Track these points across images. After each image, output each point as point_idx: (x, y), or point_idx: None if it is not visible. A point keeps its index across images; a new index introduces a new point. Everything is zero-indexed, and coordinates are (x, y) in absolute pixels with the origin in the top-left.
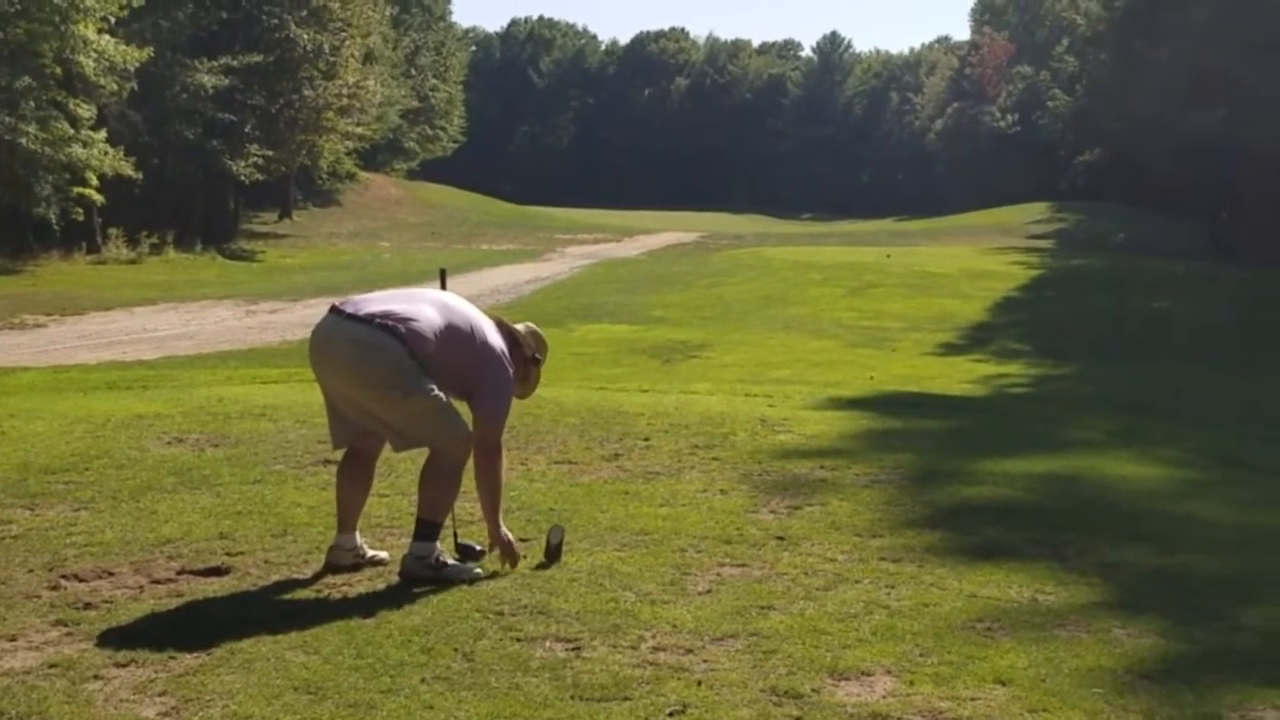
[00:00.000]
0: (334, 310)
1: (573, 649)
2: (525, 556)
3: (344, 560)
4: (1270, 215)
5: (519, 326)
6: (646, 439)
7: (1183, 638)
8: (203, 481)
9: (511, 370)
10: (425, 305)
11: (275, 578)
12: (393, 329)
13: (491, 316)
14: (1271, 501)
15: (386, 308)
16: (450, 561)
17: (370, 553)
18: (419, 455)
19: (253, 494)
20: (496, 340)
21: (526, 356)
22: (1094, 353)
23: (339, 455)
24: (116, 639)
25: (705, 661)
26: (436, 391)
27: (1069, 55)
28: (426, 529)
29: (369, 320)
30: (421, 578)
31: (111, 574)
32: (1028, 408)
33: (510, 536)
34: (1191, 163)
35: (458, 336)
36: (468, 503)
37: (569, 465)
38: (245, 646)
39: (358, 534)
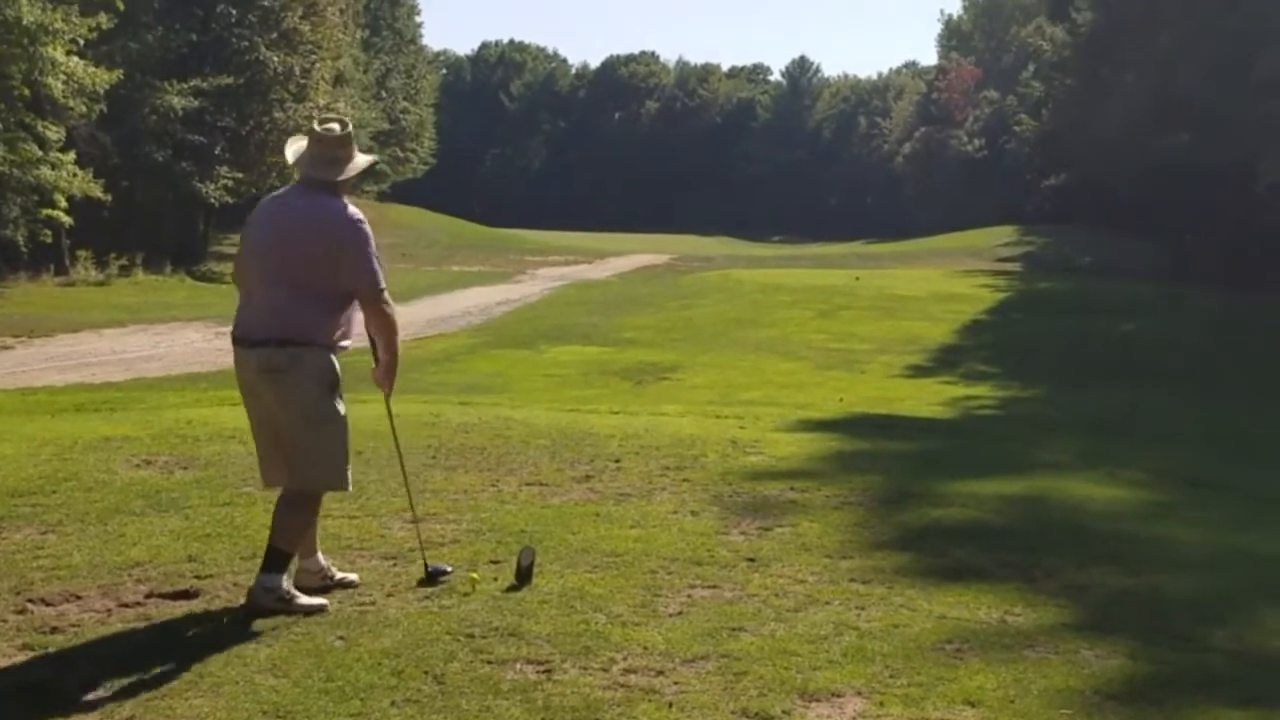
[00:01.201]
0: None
1: (544, 671)
2: (496, 579)
3: (312, 583)
4: (1235, 238)
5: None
6: (617, 460)
7: (1151, 658)
8: (171, 504)
9: (363, 222)
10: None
11: (244, 600)
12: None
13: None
14: (1238, 522)
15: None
16: (301, 597)
17: (339, 574)
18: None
19: (222, 516)
20: (328, 209)
21: (345, 180)
22: (1061, 375)
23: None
24: (84, 663)
25: (676, 683)
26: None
27: (1035, 80)
28: (279, 559)
29: (265, 342)
30: (270, 611)
31: (79, 597)
32: (996, 429)
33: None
34: (1157, 186)
35: (311, 257)
36: (440, 525)
37: (540, 487)
38: (214, 670)
39: (321, 555)
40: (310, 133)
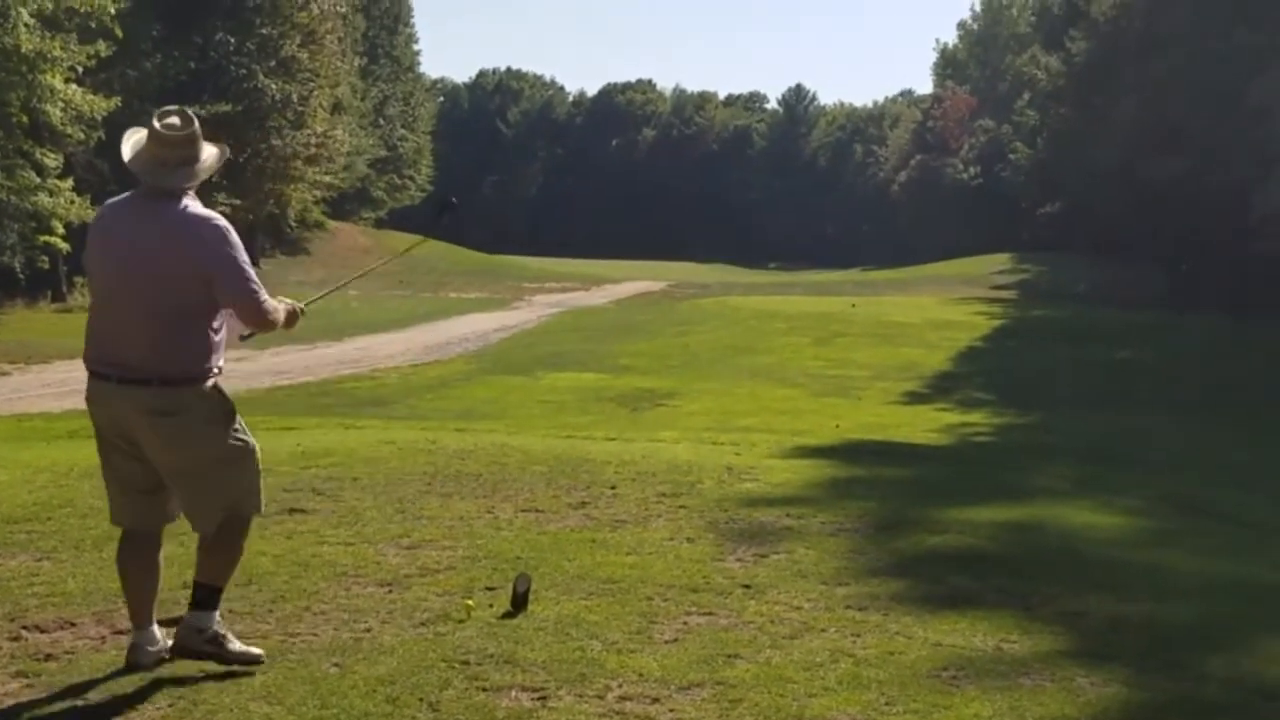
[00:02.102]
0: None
1: (539, 699)
2: (491, 606)
3: (148, 660)
4: (1229, 265)
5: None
6: (613, 487)
7: (1147, 686)
8: (168, 532)
9: (229, 228)
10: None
11: (239, 628)
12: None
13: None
14: (1233, 550)
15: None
16: (234, 642)
17: (232, 643)
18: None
19: None
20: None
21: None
22: (1057, 402)
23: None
24: (78, 691)
25: (671, 710)
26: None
27: (1030, 109)
28: (209, 596)
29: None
30: (199, 654)
31: (74, 624)
32: (992, 456)
33: (288, 304)
34: (1151, 214)
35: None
36: (435, 551)
37: (536, 513)
38: (208, 698)
39: (156, 626)
40: (150, 130)
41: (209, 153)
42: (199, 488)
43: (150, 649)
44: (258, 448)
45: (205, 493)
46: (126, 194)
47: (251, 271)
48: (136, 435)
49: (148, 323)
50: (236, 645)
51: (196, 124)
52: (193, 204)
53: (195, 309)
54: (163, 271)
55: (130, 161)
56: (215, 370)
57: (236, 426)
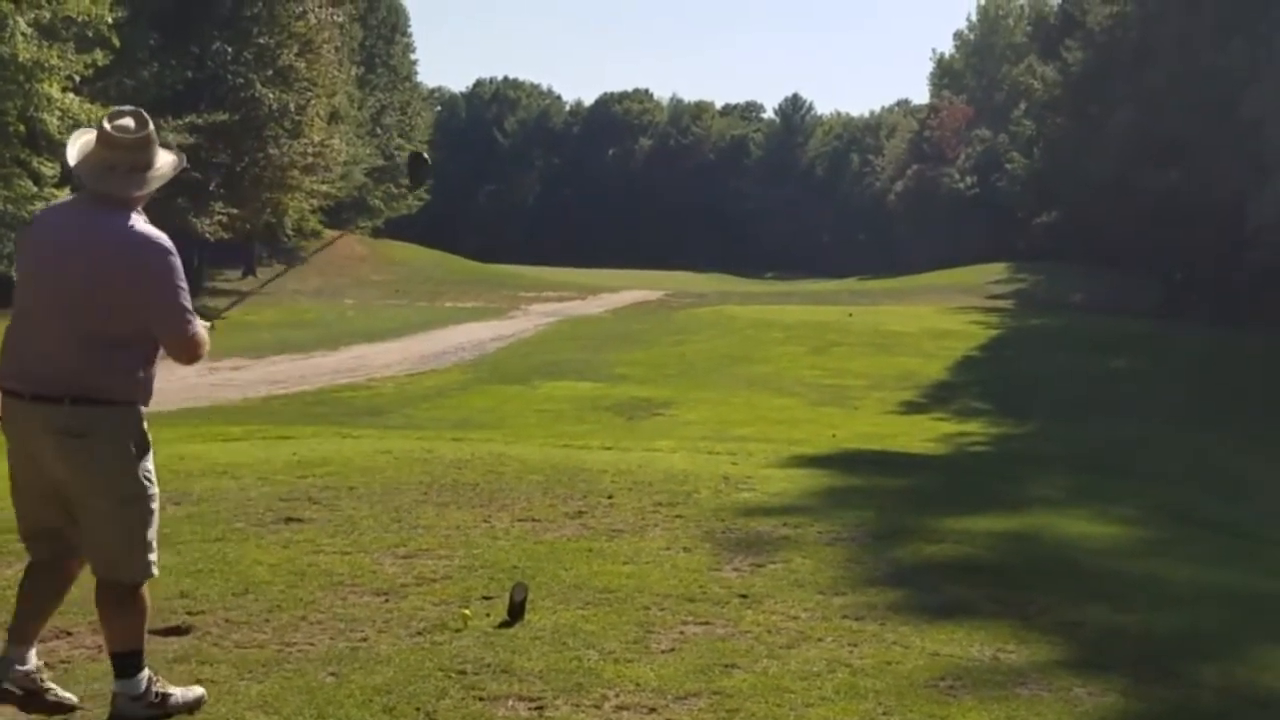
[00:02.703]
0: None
1: (536, 708)
2: (488, 615)
3: (10, 678)
4: (1224, 276)
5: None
6: (610, 496)
7: (1143, 695)
8: (163, 540)
9: (172, 252)
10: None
11: (236, 637)
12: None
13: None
14: (1228, 559)
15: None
16: (175, 691)
17: (50, 688)
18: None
19: (214, 552)
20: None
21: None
22: (1053, 411)
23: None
24: (75, 701)
25: None
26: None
27: (1026, 119)
28: (129, 661)
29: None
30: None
31: (69, 634)
32: (988, 466)
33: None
34: (1147, 224)
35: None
36: (432, 561)
37: (533, 523)
38: (205, 707)
39: (35, 652)
40: (100, 131)
41: (164, 160)
42: (95, 524)
43: (19, 667)
44: (158, 501)
45: (99, 530)
46: (68, 199)
47: (189, 302)
48: (45, 459)
49: (72, 340)
50: (177, 694)
51: (151, 127)
52: (139, 220)
53: (125, 331)
54: (97, 288)
55: (76, 165)
56: (139, 399)
57: (148, 468)
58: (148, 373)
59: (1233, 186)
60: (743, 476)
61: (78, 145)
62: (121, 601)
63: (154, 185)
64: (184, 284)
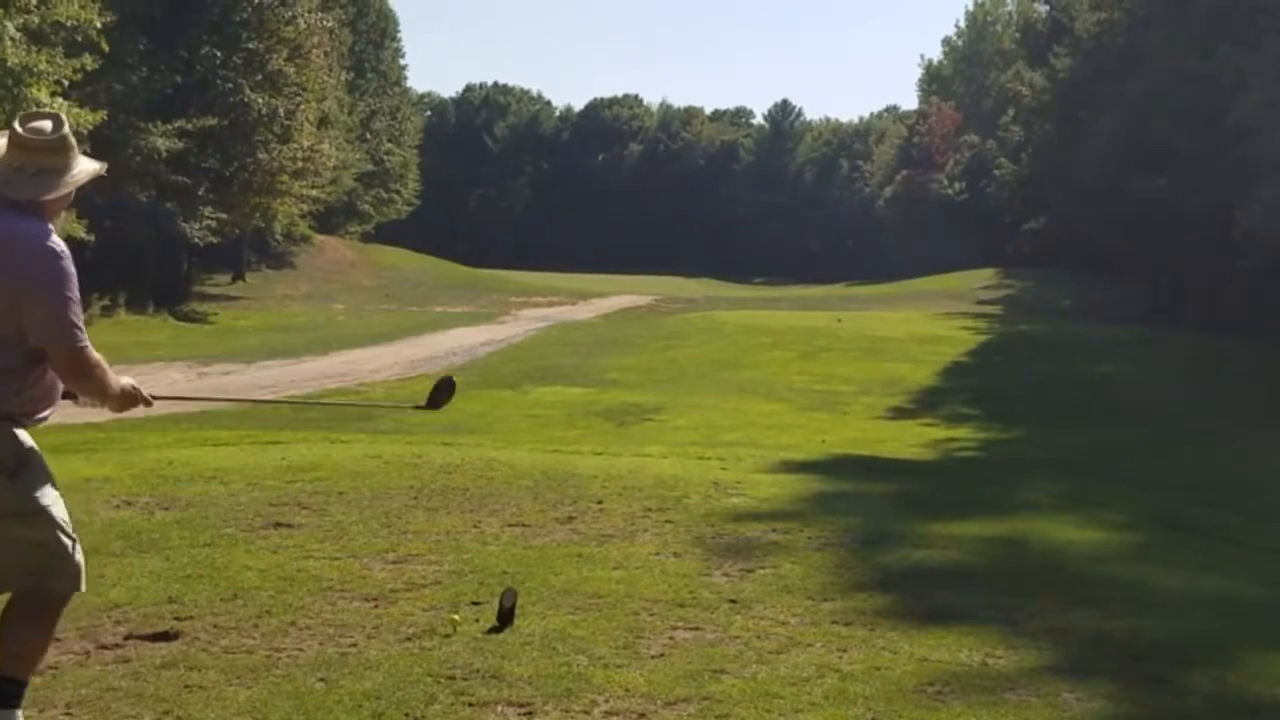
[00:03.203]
0: None
1: (525, 714)
2: (478, 620)
3: None
4: (1211, 282)
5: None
6: (600, 502)
7: (1131, 701)
8: (152, 545)
9: (66, 257)
10: None
11: (224, 642)
12: None
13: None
14: (1216, 565)
15: None
16: None
17: None
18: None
19: (202, 557)
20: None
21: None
22: (1041, 417)
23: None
24: (61, 706)
25: None
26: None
27: (1014, 125)
28: (10, 693)
29: None
30: None
31: (57, 639)
32: (976, 471)
33: (129, 383)
34: (1135, 230)
35: None
36: (422, 566)
37: (522, 528)
38: (193, 713)
39: (21, 714)
40: (11, 134)
41: (82, 167)
42: (5, 546)
43: None
44: (62, 512)
45: (12, 552)
46: None
47: (76, 317)
48: None
49: None
50: None
51: (68, 130)
52: (41, 224)
53: (19, 340)
54: None
55: None
56: (19, 413)
57: (38, 481)
58: (36, 386)
59: (1220, 193)
60: (732, 482)
61: None
62: (32, 617)
63: (66, 190)
64: (74, 296)
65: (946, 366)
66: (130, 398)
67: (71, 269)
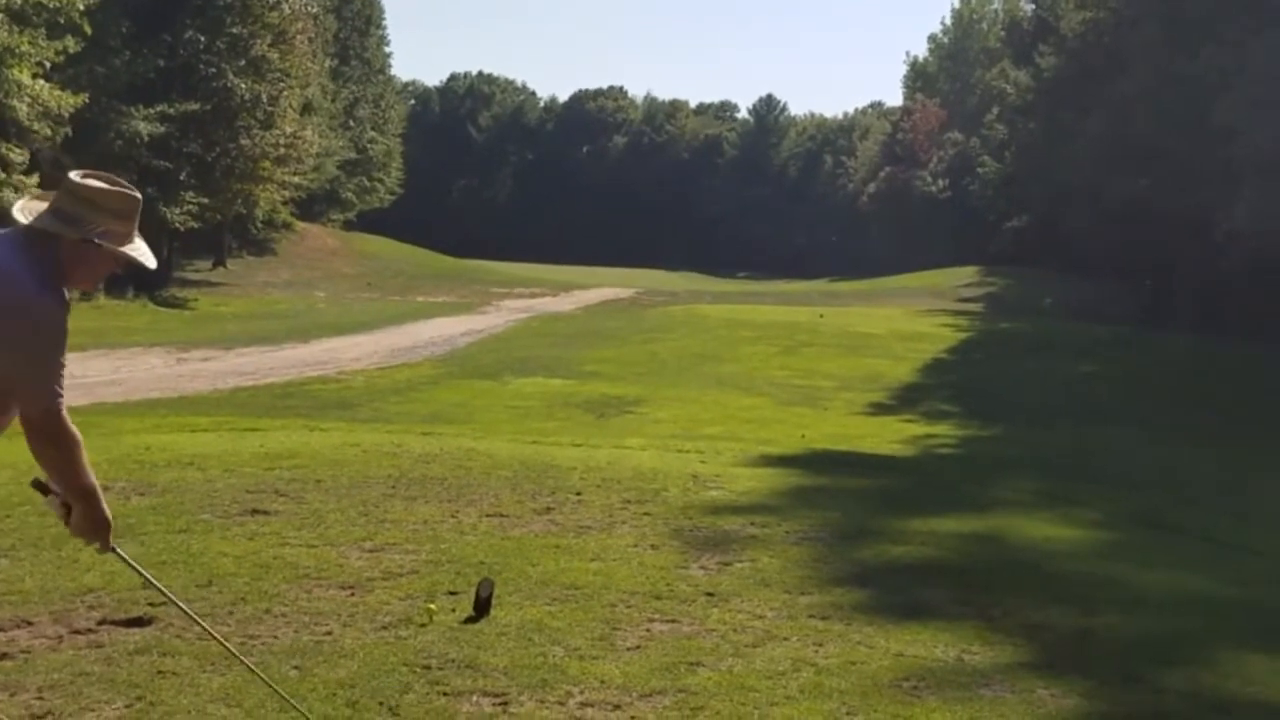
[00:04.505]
0: None
1: (500, 704)
2: (454, 610)
3: None
4: (1194, 282)
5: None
6: (578, 493)
7: (1106, 698)
8: (127, 530)
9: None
10: None
11: (198, 629)
12: None
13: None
14: (1193, 564)
15: None
16: None
17: None
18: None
19: (178, 543)
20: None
21: (76, 240)
22: (1021, 415)
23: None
24: (33, 690)
25: (633, 718)
26: None
27: (999, 123)
28: None
29: None
30: None
31: (30, 623)
32: (955, 468)
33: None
34: (1117, 230)
35: None
36: (399, 555)
37: (500, 518)
38: (166, 699)
39: None
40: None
41: (138, 245)
42: None
43: None
44: None
45: None
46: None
47: (56, 374)
48: None
49: None
50: None
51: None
52: (51, 265)
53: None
54: None
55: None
56: None
57: None
58: None
59: (1203, 194)
60: (711, 475)
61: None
62: None
63: (90, 233)
64: (58, 355)
65: (927, 363)
66: (100, 518)
67: (64, 322)
